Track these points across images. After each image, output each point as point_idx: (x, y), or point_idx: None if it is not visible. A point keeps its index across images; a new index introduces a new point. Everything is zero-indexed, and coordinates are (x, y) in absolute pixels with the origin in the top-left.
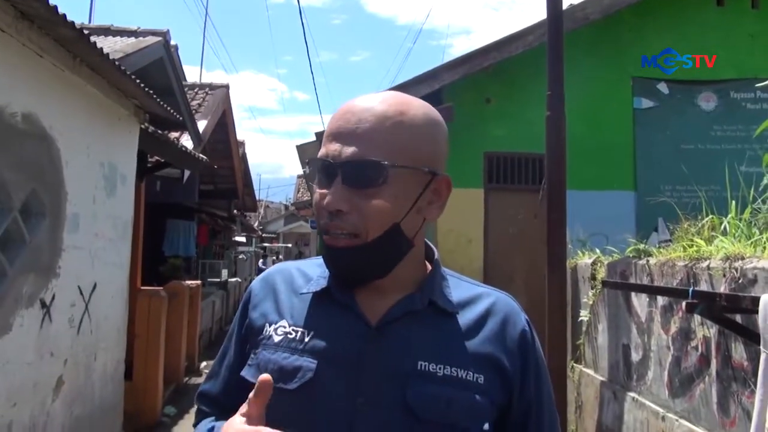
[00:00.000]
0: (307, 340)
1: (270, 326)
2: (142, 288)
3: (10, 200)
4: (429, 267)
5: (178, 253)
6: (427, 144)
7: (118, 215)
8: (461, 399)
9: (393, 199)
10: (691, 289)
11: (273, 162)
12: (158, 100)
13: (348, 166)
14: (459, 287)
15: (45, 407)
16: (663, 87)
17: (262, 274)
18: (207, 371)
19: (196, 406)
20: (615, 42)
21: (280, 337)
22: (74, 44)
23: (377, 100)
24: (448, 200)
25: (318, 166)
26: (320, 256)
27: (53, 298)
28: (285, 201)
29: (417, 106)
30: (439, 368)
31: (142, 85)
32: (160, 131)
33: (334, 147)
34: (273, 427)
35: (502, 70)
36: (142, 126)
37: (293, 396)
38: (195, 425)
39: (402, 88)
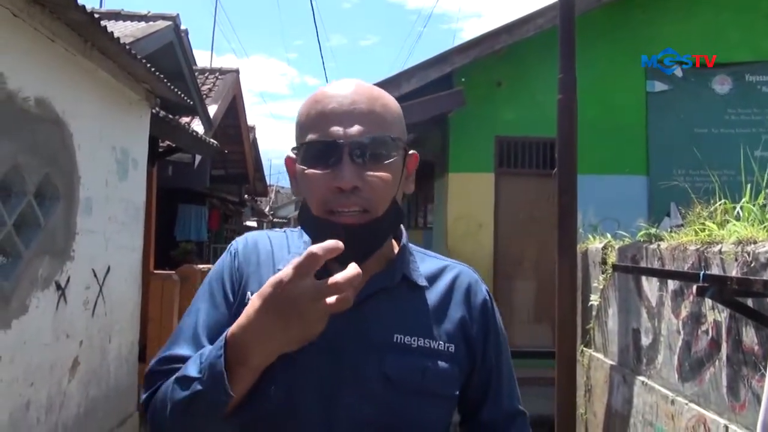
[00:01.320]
0: None
1: (252, 294)
2: (155, 272)
3: (24, 184)
4: (395, 244)
5: (190, 238)
6: (402, 121)
7: (131, 199)
8: (435, 368)
9: (394, 173)
10: (702, 272)
11: (283, 147)
12: (169, 84)
13: (357, 143)
14: (425, 261)
15: (62, 387)
16: (677, 70)
17: (241, 242)
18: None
19: (155, 369)
20: (628, 24)
21: None
22: (85, 28)
23: (354, 85)
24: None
25: (318, 148)
26: (299, 229)
27: (68, 280)
28: None
29: (383, 90)
30: (414, 340)
31: (153, 69)
32: (171, 116)
33: (333, 128)
34: (260, 395)
35: (513, 54)
36: (153, 111)
37: (279, 365)
38: (152, 390)
39: (413, 71)
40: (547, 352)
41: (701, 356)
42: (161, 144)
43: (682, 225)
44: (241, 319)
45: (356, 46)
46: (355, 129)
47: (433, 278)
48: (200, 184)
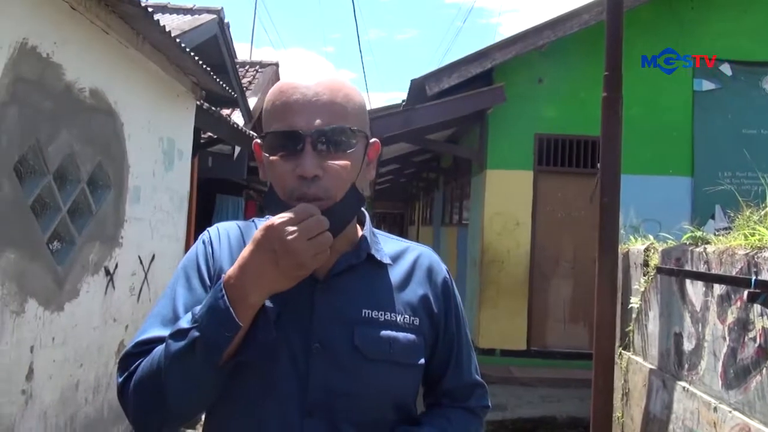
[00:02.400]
0: None
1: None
2: None
3: (78, 172)
4: (358, 228)
5: None
6: (364, 111)
7: (176, 189)
8: (401, 339)
9: (354, 161)
10: (753, 278)
11: None
12: (216, 77)
13: (318, 133)
14: (387, 243)
15: (108, 369)
16: (726, 68)
17: (213, 231)
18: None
19: (133, 351)
20: (675, 21)
21: None
22: (138, 21)
23: (318, 77)
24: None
25: (283, 137)
26: (266, 218)
27: (116, 266)
28: None
29: (346, 80)
30: (381, 314)
31: (201, 62)
32: (213, 108)
33: (297, 118)
34: (239, 367)
35: (556, 50)
36: (198, 103)
37: (255, 325)
38: (131, 371)
39: (453, 67)
40: (581, 353)
41: (747, 364)
42: (203, 135)
43: (727, 228)
44: (237, 263)
45: (393, 40)
46: (317, 120)
47: (395, 257)
48: (238, 176)
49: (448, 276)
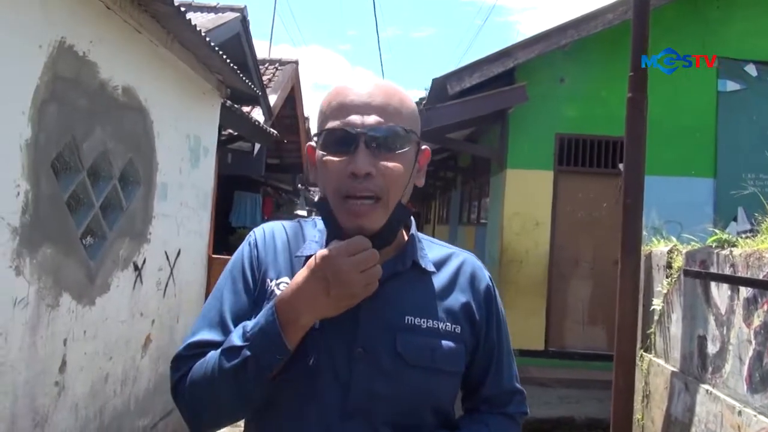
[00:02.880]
0: None
1: (271, 282)
2: (214, 256)
3: (111, 168)
4: (404, 233)
5: (245, 224)
6: (417, 117)
7: (200, 186)
8: (443, 347)
9: (406, 164)
10: None
11: None
12: (242, 76)
13: (373, 133)
14: (432, 249)
15: (135, 362)
16: (751, 69)
17: (259, 232)
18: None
19: (185, 354)
20: (700, 21)
21: None
22: (170, 20)
23: (374, 81)
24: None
25: (336, 135)
26: (312, 219)
27: (144, 261)
28: None
29: (401, 87)
30: (423, 321)
31: (229, 61)
32: (236, 105)
33: (351, 118)
34: (284, 370)
35: (578, 49)
36: (223, 101)
37: (302, 343)
38: (183, 372)
39: (476, 66)
40: (599, 355)
41: None
42: (223, 132)
43: (750, 231)
44: (291, 286)
45: (409, 38)
46: (372, 119)
47: (439, 264)
48: (256, 172)
49: (491, 283)
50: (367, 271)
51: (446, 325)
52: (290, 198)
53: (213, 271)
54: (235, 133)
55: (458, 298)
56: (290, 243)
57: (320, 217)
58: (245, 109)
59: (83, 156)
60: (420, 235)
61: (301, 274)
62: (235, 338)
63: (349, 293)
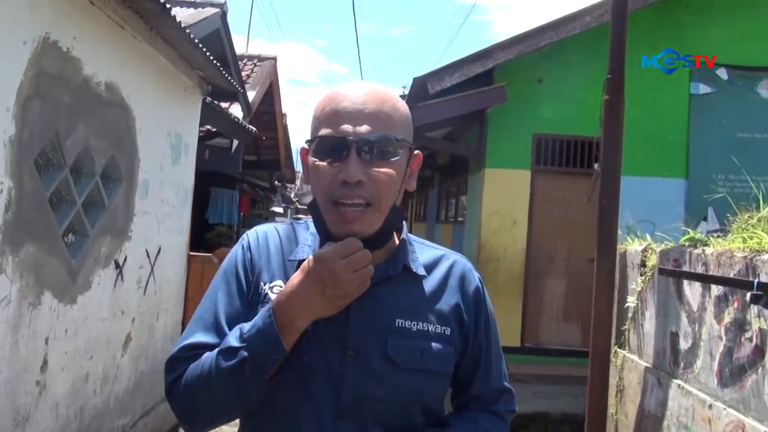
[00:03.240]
0: None
1: (265, 285)
2: (193, 254)
3: (93, 165)
4: (395, 236)
5: (222, 221)
6: (409, 123)
7: (181, 183)
8: (432, 349)
9: (398, 170)
10: (756, 280)
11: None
12: (224, 72)
13: (364, 141)
14: (423, 251)
15: (115, 361)
16: (722, 72)
17: (252, 235)
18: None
19: (180, 356)
20: (673, 25)
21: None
22: (154, 16)
23: (368, 87)
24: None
25: (329, 142)
26: (304, 221)
27: (125, 259)
28: None
29: (394, 93)
30: (413, 324)
31: (211, 57)
32: (215, 102)
33: (344, 125)
34: (279, 370)
35: (556, 51)
36: (204, 97)
37: (297, 344)
38: (178, 374)
39: (455, 66)
40: (573, 351)
41: (743, 363)
42: (201, 128)
43: (719, 230)
44: (286, 290)
45: (387, 35)
46: (364, 128)
47: (430, 267)
48: (234, 169)
49: (480, 285)
50: (359, 271)
51: (436, 327)
52: (267, 195)
53: (192, 268)
54: (214, 130)
55: (448, 301)
56: (283, 246)
57: (312, 220)
58: (223, 105)
59: (66, 153)
60: (411, 237)
61: (296, 277)
62: (232, 339)
63: (343, 293)
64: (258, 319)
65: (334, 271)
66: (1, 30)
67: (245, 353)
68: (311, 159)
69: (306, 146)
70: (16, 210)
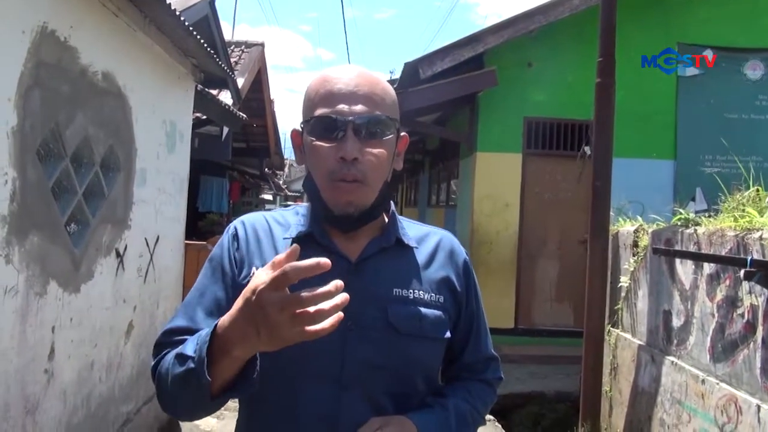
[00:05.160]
0: None
1: (256, 270)
2: (187, 242)
3: (93, 155)
4: (384, 214)
5: (212, 209)
6: (396, 105)
7: (177, 171)
8: (429, 315)
9: (388, 150)
10: (749, 257)
11: (297, 120)
12: (217, 59)
13: (360, 120)
14: (411, 228)
15: (119, 349)
16: (709, 54)
17: (239, 224)
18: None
19: (163, 341)
20: (660, 7)
21: None
22: (148, 3)
23: (358, 69)
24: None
25: (326, 122)
26: (292, 207)
27: (125, 248)
28: None
29: (382, 76)
30: (410, 292)
31: (205, 44)
32: (206, 89)
33: (340, 106)
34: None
35: (546, 34)
36: (196, 85)
37: None
38: (158, 359)
39: (446, 50)
40: (566, 331)
41: (735, 338)
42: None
43: (707, 210)
44: (228, 314)
45: (371, 20)
46: (359, 107)
47: (419, 241)
48: (224, 157)
49: (467, 258)
50: (297, 318)
51: (430, 295)
52: (257, 182)
53: (188, 255)
54: (204, 117)
55: (439, 271)
56: (273, 231)
57: (307, 197)
58: (213, 92)
59: (66, 143)
60: (398, 216)
61: (237, 302)
62: (189, 345)
63: (278, 336)
64: (204, 333)
65: (266, 311)
66: (1, 18)
67: (191, 365)
68: (307, 138)
69: (299, 128)
70: (20, 200)
